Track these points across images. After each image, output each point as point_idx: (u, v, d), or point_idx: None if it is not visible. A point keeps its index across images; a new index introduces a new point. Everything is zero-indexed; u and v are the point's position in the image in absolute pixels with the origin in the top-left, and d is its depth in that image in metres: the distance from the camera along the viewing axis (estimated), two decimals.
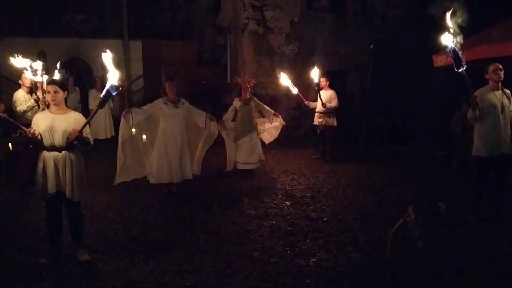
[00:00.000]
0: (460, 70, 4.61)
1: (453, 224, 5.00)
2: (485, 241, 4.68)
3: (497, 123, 5.07)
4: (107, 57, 3.93)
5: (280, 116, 7.95)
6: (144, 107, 6.18)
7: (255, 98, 7.82)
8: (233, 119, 7.62)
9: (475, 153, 5.25)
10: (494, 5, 9.81)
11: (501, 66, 5.08)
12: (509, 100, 5.19)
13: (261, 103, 7.88)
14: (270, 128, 8.00)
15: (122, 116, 5.98)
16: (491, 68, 5.11)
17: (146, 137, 6.20)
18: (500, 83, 5.12)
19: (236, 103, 7.67)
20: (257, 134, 7.73)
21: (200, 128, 6.44)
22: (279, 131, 8.03)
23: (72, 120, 4.11)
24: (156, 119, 6.20)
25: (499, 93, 5.11)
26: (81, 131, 3.99)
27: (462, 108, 7.68)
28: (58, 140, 4.04)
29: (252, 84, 7.76)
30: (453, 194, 6.23)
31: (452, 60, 4.63)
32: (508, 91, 5.20)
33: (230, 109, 7.70)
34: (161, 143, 6.12)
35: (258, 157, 7.73)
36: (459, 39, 4.53)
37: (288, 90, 8.71)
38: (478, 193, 5.32)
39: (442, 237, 4.70)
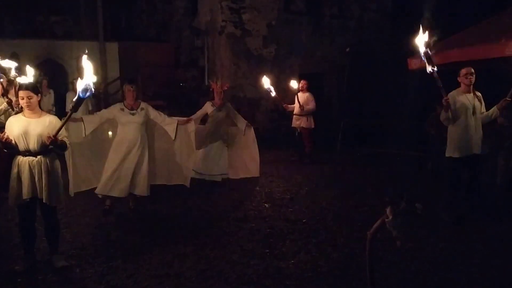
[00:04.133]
0: (430, 72, 4.71)
1: (429, 224, 5.11)
2: (460, 239, 4.80)
3: (469, 125, 5.21)
4: (86, 62, 3.83)
5: (252, 128, 7.33)
6: (98, 112, 5.75)
7: (229, 105, 7.24)
8: (200, 123, 7.13)
9: (448, 154, 5.39)
10: (465, 10, 10.08)
11: (472, 70, 5.22)
12: (481, 103, 5.34)
13: (235, 111, 7.29)
14: (247, 158, 7.43)
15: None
16: (463, 71, 5.25)
17: (101, 145, 5.77)
18: (471, 86, 5.27)
19: (208, 107, 7.07)
20: (226, 145, 7.12)
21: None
22: (257, 157, 7.41)
23: (47, 123, 4.03)
24: (113, 125, 5.74)
25: (470, 95, 5.26)
26: (55, 136, 3.90)
27: (436, 110, 7.86)
28: (33, 144, 3.95)
29: (226, 88, 7.23)
30: (429, 194, 6.36)
31: (425, 62, 4.73)
32: (479, 94, 5.35)
33: (199, 112, 7.11)
34: (113, 152, 5.59)
35: (224, 169, 7.07)
36: (431, 42, 4.65)
37: (266, 92, 8.76)
38: (452, 193, 5.46)
39: (419, 236, 4.80)
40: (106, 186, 5.54)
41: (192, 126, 6.21)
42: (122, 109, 5.61)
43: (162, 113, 5.99)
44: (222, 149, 7.08)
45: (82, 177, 5.62)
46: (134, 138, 5.58)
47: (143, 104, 5.74)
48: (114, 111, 5.66)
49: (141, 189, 5.68)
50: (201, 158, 6.95)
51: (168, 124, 5.91)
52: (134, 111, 5.62)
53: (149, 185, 5.76)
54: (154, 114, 5.82)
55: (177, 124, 5.93)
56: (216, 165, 7.02)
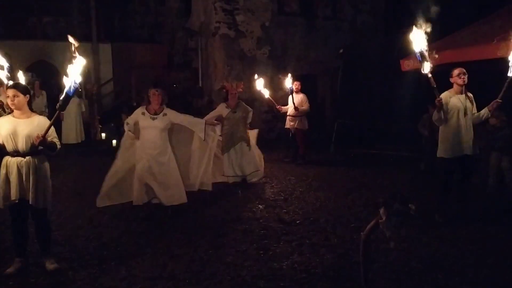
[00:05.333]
0: (425, 72, 4.74)
1: (422, 224, 5.13)
2: (453, 239, 4.82)
3: (460, 125, 5.24)
4: (78, 62, 3.83)
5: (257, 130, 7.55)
6: (129, 121, 5.61)
7: (243, 104, 7.25)
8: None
9: (440, 154, 5.42)
10: (458, 11, 10.16)
11: (465, 71, 5.27)
12: (472, 103, 5.37)
13: (249, 108, 7.31)
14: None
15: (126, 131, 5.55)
16: (456, 72, 5.28)
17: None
18: (463, 87, 5.30)
19: (223, 110, 7.02)
20: (247, 144, 7.10)
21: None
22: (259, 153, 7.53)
23: (35, 124, 3.99)
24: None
25: (462, 96, 5.29)
26: (44, 136, 3.87)
27: (429, 111, 7.90)
28: (21, 145, 3.92)
29: (240, 90, 7.23)
30: (422, 195, 6.39)
31: (419, 62, 4.76)
32: (471, 95, 5.39)
33: (213, 113, 6.99)
34: (137, 161, 5.53)
35: (254, 168, 7.15)
36: (426, 42, 4.67)
37: (260, 93, 8.76)
38: (444, 193, 5.48)
39: (413, 237, 4.82)
40: (140, 195, 5.51)
41: (219, 129, 6.28)
42: (143, 113, 5.52)
43: (187, 115, 5.88)
44: (243, 150, 7.06)
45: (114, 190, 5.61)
46: (153, 143, 5.47)
47: (166, 110, 5.59)
48: (137, 113, 5.59)
49: (167, 198, 5.57)
50: (228, 162, 6.98)
51: (196, 124, 5.78)
52: (156, 116, 5.49)
53: (181, 193, 5.68)
54: (179, 118, 5.68)
55: (205, 124, 5.81)
56: (248, 165, 7.07)
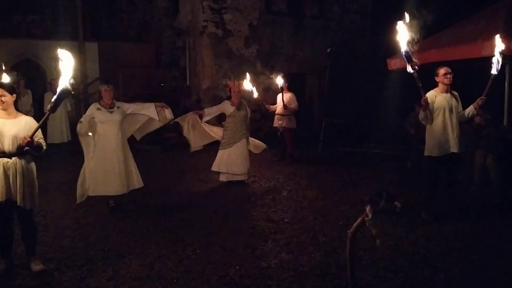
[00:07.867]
0: (411, 71, 4.77)
1: (408, 222, 5.18)
2: (439, 236, 4.88)
3: (446, 124, 5.30)
4: (64, 59, 3.79)
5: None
6: (84, 119, 5.66)
7: (245, 102, 7.42)
8: (220, 123, 7.34)
9: (427, 153, 5.47)
10: (443, 11, 10.26)
11: (450, 70, 5.32)
12: (458, 102, 5.43)
13: (248, 108, 7.49)
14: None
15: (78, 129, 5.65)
16: (442, 71, 5.33)
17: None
18: (449, 86, 5.36)
19: (228, 107, 7.18)
20: (247, 142, 7.36)
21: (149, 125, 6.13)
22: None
23: (22, 124, 3.95)
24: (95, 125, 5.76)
25: (448, 95, 5.34)
26: (32, 137, 3.83)
27: (415, 110, 7.97)
28: (8, 146, 3.87)
29: (242, 88, 7.42)
30: (408, 193, 6.45)
31: (405, 62, 4.78)
32: (456, 93, 5.45)
33: (216, 109, 7.28)
34: (98, 151, 5.69)
35: (247, 168, 7.33)
36: (412, 41, 4.70)
37: (248, 93, 8.75)
38: (431, 192, 5.54)
39: (399, 234, 4.86)
40: (101, 185, 5.68)
41: (170, 113, 6.15)
42: (99, 109, 5.74)
43: (135, 102, 6.28)
44: (244, 148, 7.29)
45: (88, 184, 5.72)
46: (113, 136, 5.72)
47: (118, 103, 5.89)
48: (92, 109, 5.78)
49: (135, 183, 5.95)
50: (227, 159, 7.15)
51: (147, 108, 6.02)
52: (112, 109, 5.76)
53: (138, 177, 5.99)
54: (131, 107, 5.98)
55: (155, 106, 6.00)
56: (241, 164, 7.21)
